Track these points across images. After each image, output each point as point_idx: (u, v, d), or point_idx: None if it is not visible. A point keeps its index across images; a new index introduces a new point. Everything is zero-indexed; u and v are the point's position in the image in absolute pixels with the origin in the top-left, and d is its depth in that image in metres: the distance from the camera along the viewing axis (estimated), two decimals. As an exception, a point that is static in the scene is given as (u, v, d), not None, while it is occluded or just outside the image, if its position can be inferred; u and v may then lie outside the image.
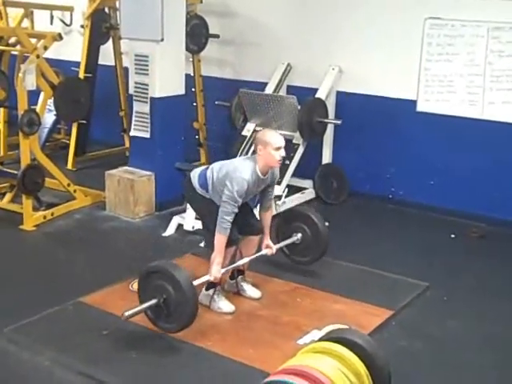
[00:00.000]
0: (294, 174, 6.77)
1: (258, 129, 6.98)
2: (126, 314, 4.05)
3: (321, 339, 3.49)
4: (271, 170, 4.54)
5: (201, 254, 5.39)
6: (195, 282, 4.26)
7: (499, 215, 6.38)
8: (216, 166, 4.58)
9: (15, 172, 6.26)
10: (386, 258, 5.64)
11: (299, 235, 5.16)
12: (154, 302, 4.12)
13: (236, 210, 4.37)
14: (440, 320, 4.67)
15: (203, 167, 4.73)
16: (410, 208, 6.82)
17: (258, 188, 4.56)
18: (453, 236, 6.20)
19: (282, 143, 4.44)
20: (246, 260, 4.74)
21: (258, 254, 4.82)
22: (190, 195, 4.73)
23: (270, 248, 4.86)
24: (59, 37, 6.42)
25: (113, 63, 8.33)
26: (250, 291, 4.89)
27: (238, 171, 4.38)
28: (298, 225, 5.18)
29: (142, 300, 4.21)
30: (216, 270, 4.42)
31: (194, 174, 4.66)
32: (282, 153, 4.43)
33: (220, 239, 4.38)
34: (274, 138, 4.45)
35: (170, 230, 6.10)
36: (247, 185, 4.35)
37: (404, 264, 5.52)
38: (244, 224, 4.65)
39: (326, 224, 5.22)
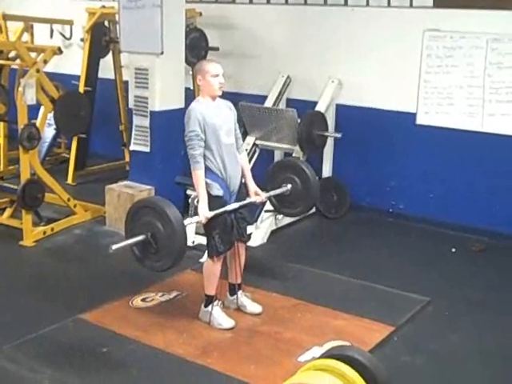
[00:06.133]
0: (295, 188, 6.74)
1: (257, 142, 6.98)
2: (114, 247, 4.03)
3: (322, 356, 3.46)
4: (216, 99, 4.58)
5: (201, 270, 5.36)
6: (186, 221, 4.25)
7: (500, 229, 6.36)
8: None
9: (15, 187, 6.24)
10: (387, 273, 5.62)
11: (289, 186, 5.09)
12: (142, 237, 4.09)
13: (202, 144, 4.40)
14: (442, 335, 4.65)
15: None
16: (411, 221, 6.80)
17: (220, 116, 4.54)
18: (453, 250, 6.18)
19: (220, 70, 4.52)
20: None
21: (246, 201, 4.66)
22: None
23: (258, 195, 4.78)
24: (59, 50, 6.44)
25: (113, 77, 8.33)
26: (251, 307, 4.86)
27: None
28: (288, 176, 5.12)
29: (128, 237, 4.20)
30: (202, 208, 4.39)
31: None
32: (221, 79, 4.51)
33: (196, 175, 4.41)
34: (211, 66, 4.54)
35: (170, 245, 6.05)
36: (198, 112, 4.42)
37: (405, 278, 5.50)
38: (237, 229, 4.60)
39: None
